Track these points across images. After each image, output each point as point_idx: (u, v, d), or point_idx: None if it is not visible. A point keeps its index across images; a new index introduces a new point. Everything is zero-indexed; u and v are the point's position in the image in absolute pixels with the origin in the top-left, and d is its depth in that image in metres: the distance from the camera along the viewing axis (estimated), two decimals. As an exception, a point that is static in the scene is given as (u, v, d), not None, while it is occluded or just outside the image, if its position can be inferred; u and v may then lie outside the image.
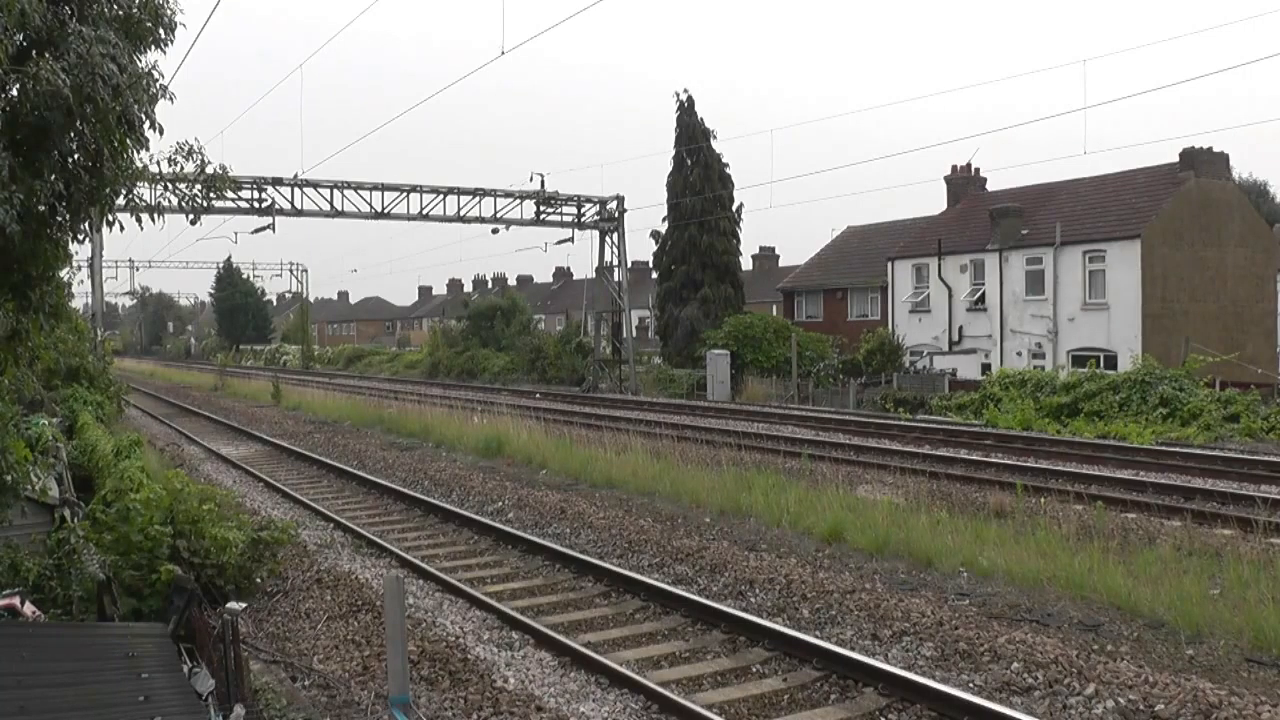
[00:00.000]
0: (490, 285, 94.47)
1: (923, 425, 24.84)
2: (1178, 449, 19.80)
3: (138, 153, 6.75)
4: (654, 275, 52.15)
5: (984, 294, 37.77)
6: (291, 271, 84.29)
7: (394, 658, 6.44)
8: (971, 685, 7.57)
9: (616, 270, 42.68)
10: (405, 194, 36.96)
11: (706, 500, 14.67)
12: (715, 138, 45.93)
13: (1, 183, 5.50)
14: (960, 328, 38.63)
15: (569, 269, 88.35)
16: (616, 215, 41.46)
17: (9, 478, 7.60)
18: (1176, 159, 35.41)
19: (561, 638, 8.71)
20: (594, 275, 44.61)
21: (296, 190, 34.99)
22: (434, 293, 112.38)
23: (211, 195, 8.60)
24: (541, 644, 8.77)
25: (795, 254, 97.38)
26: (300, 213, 35.34)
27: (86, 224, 7.06)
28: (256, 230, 36.35)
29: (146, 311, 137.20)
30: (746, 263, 54.18)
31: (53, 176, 6.20)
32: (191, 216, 9.72)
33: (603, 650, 8.58)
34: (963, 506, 13.78)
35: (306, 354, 79.77)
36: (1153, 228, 33.21)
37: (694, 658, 8.54)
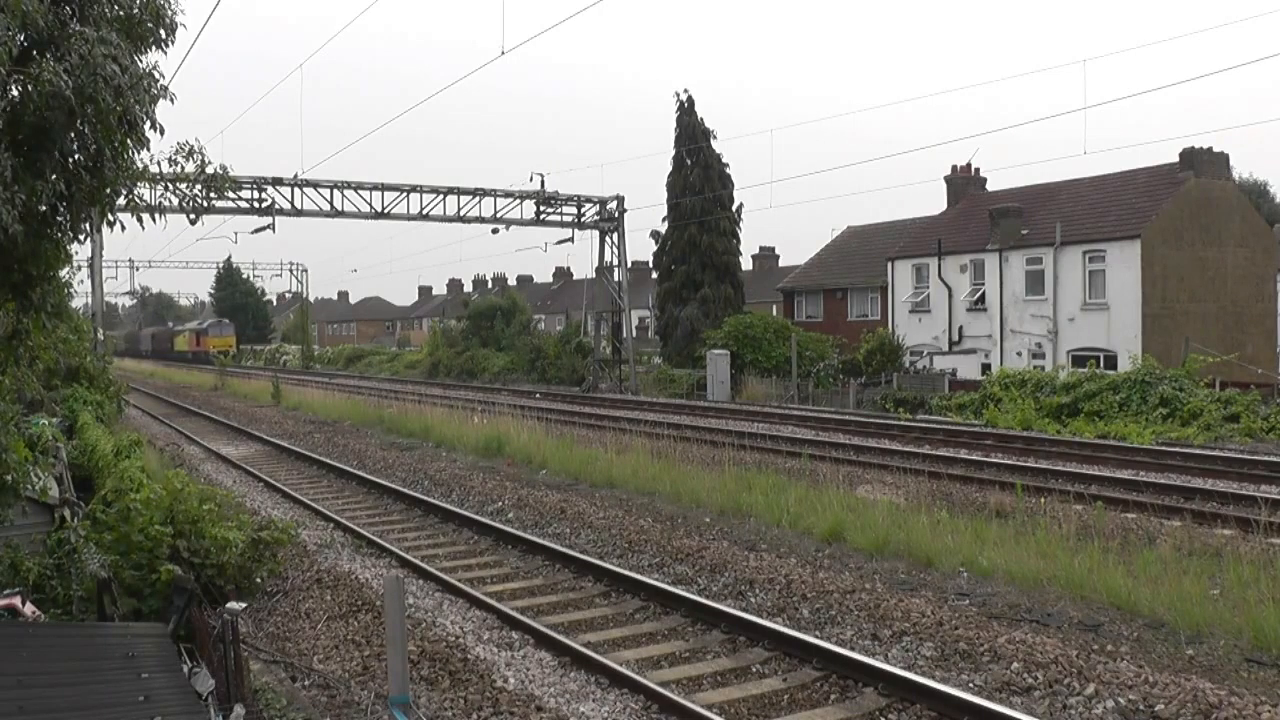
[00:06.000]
0: (490, 285, 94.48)
1: (923, 425, 24.84)
2: (1178, 449, 19.80)
3: (138, 153, 6.76)
4: (654, 275, 52.19)
5: (984, 294, 37.78)
6: (291, 271, 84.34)
7: (394, 658, 6.44)
8: (971, 685, 7.58)
9: (616, 270, 42.67)
10: (405, 194, 36.96)
11: (707, 500, 14.67)
12: (715, 138, 46.06)
13: (4, 183, 5.51)
14: (960, 328, 38.63)
15: (569, 269, 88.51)
16: (616, 215, 41.45)
17: (9, 478, 7.60)
18: (1176, 159, 35.43)
19: (561, 638, 8.71)
20: (594, 275, 44.60)
21: (296, 190, 34.99)
22: (434, 293, 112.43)
23: (211, 195, 8.61)
24: (541, 644, 8.77)
25: (795, 254, 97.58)
26: (300, 213, 35.34)
27: (87, 224, 7.06)
28: (256, 230, 36.39)
29: (146, 311, 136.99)
30: (746, 263, 54.23)
31: (54, 177, 6.21)
32: (192, 216, 9.73)
33: (603, 650, 8.58)
34: (963, 506, 13.79)
35: (306, 354, 79.73)
36: (1153, 228, 33.21)
37: (694, 658, 8.55)
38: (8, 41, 5.29)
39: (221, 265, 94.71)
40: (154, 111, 6.56)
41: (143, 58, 6.59)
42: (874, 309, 44.76)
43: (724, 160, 45.97)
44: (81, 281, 28.23)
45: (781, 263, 67.37)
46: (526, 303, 62.96)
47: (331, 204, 35.80)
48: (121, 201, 7.09)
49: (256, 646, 8.88)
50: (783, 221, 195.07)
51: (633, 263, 55.21)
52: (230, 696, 6.26)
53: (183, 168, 7.60)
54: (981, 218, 39.12)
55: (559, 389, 43.79)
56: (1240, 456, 18.18)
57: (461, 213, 38.21)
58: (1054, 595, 9.64)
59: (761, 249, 69.51)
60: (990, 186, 43.85)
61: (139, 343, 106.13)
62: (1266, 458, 17.82)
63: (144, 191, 8.50)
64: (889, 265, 42.01)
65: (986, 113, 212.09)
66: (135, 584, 8.93)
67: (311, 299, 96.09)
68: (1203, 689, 7.03)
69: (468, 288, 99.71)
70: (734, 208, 46.56)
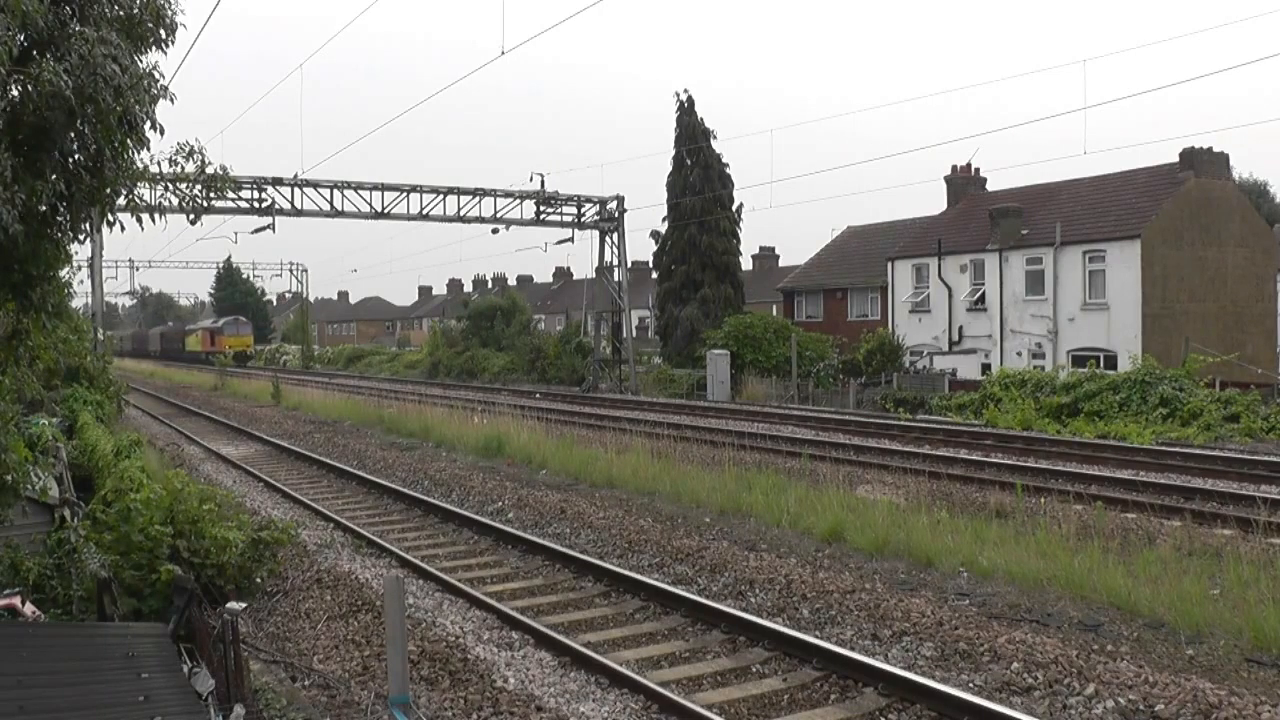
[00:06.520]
0: (490, 285, 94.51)
1: (923, 425, 24.84)
2: (1177, 449, 19.80)
3: (138, 153, 6.76)
4: (654, 275, 52.23)
5: (984, 294, 37.78)
6: (291, 271, 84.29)
7: (394, 658, 6.44)
8: (971, 685, 7.57)
9: (616, 270, 42.67)
10: (405, 194, 36.96)
11: (707, 500, 14.67)
12: (715, 138, 46.06)
13: (4, 183, 5.51)
14: (960, 328, 38.64)
15: (569, 269, 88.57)
16: (616, 215, 41.45)
17: (9, 478, 7.59)
18: (1176, 159, 35.44)
19: (561, 638, 8.71)
20: (594, 275, 44.61)
21: (296, 190, 34.99)
22: (434, 293, 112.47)
23: (211, 195, 8.59)
24: (541, 644, 8.77)
25: (795, 254, 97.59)
26: (300, 213, 35.34)
27: (87, 224, 7.06)
28: (256, 230, 36.40)
29: (146, 311, 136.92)
30: (746, 263, 54.24)
31: (54, 177, 6.22)
32: (191, 216, 9.70)
33: (603, 650, 8.58)
34: (963, 506, 13.79)
35: (306, 354, 79.71)
36: (1153, 228, 33.22)
37: (694, 658, 8.55)
38: (8, 41, 5.29)
39: (221, 265, 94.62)
40: (154, 111, 6.56)
41: (143, 58, 6.59)
42: (874, 309, 44.77)
43: (724, 160, 46.00)
44: (81, 281, 28.27)
45: (781, 263, 67.41)
46: (526, 303, 62.99)
47: (331, 204, 35.81)
48: (121, 201, 7.09)
49: (256, 646, 8.88)
50: (783, 221, 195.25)
51: (633, 263, 55.23)
52: (230, 696, 6.26)
53: (183, 168, 7.59)
54: (981, 218, 39.13)
55: (559, 389, 43.79)
56: (1240, 456, 18.18)
57: (461, 213, 38.22)
58: (1054, 595, 9.63)
59: (761, 249, 69.56)
60: (990, 186, 43.88)
61: (146, 342, 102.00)
62: (1266, 458, 17.82)
63: (144, 191, 8.48)
64: (889, 265, 42.01)
65: (986, 113, 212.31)
66: (135, 584, 8.93)
67: (311, 299, 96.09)
68: (1203, 689, 7.03)
69: (468, 288, 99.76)
70: (734, 208, 46.56)
